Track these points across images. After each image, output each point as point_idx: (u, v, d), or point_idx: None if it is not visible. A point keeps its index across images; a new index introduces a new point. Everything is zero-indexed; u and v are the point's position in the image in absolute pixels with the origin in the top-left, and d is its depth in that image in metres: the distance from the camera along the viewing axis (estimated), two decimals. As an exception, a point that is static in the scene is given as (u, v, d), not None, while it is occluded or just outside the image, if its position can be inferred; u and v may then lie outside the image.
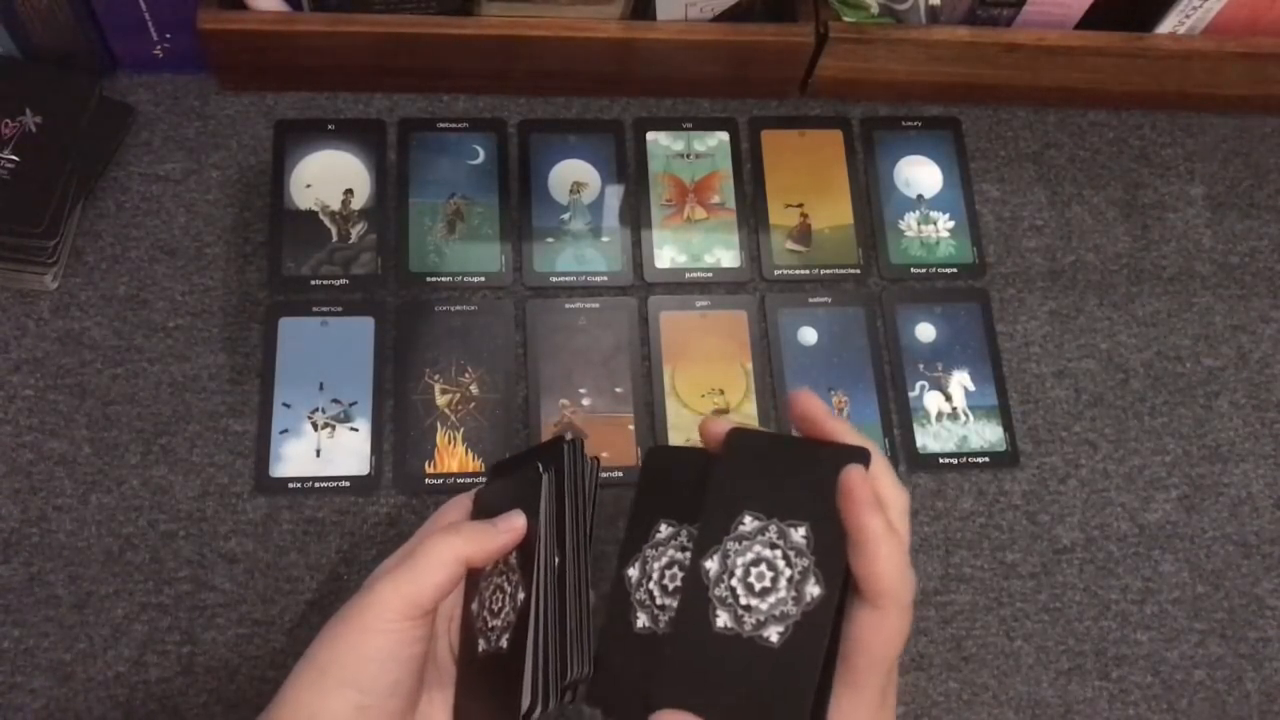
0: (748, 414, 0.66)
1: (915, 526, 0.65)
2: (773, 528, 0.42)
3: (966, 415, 0.68)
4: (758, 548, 0.41)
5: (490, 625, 0.47)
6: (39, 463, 0.61)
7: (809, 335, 0.68)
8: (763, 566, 0.41)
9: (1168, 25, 0.71)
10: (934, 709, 0.61)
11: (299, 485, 0.62)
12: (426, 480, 0.63)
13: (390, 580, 0.45)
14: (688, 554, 0.43)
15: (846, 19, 0.69)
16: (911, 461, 0.66)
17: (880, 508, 0.40)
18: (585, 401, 0.65)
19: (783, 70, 0.72)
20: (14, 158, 0.63)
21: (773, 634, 0.40)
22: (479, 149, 0.71)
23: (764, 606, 0.40)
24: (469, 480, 0.63)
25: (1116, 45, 0.71)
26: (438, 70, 0.70)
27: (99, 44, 0.68)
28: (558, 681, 0.44)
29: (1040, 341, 0.70)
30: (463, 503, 0.52)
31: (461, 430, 0.64)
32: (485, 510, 0.50)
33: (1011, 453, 0.67)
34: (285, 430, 0.63)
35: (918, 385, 0.68)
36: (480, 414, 0.64)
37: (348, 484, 0.62)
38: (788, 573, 0.41)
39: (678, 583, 0.43)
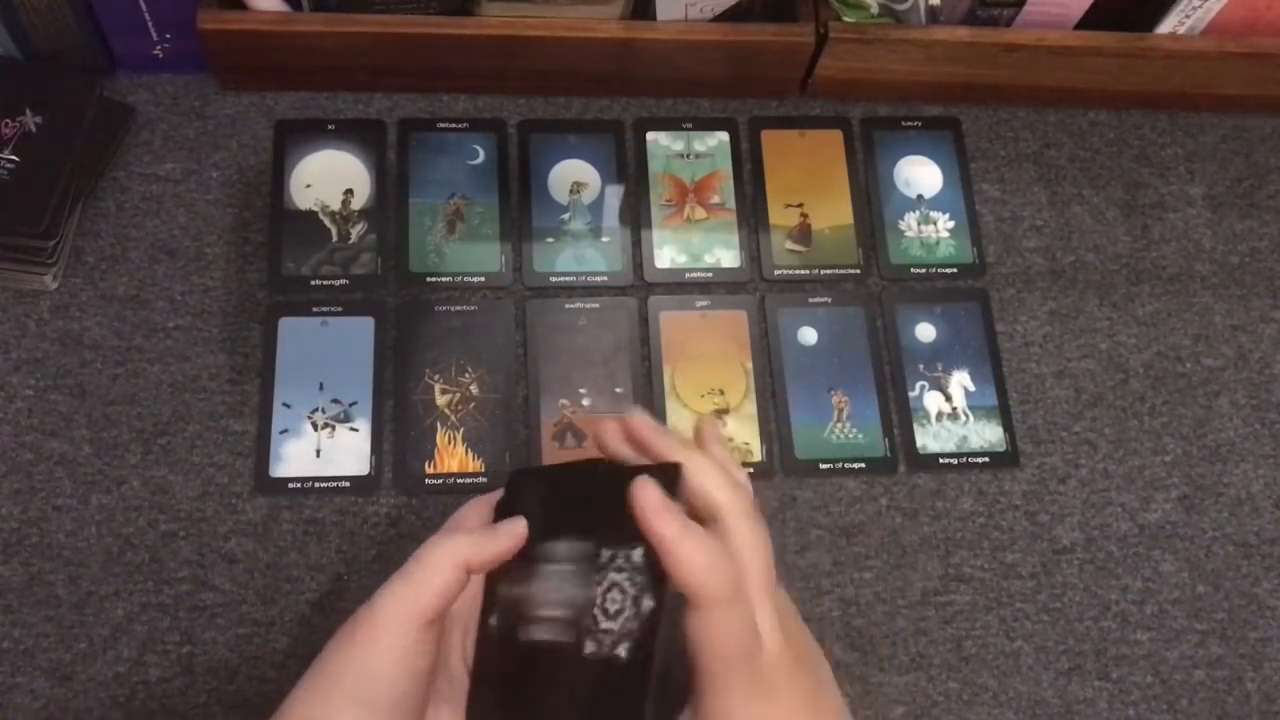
0: (748, 414, 0.66)
1: (915, 526, 0.65)
2: (620, 554, 0.44)
3: (966, 415, 0.68)
4: (611, 574, 0.44)
5: (604, 627, 0.45)
6: (39, 463, 0.61)
7: (809, 335, 0.68)
8: (615, 591, 0.44)
9: (1168, 25, 0.71)
10: (934, 709, 0.61)
11: (299, 485, 0.62)
12: (426, 480, 0.63)
13: (389, 592, 0.44)
14: (625, 574, 0.45)
15: (846, 19, 0.69)
16: (911, 461, 0.66)
17: (671, 512, 0.42)
18: (585, 401, 0.65)
19: (783, 70, 0.73)
20: (14, 158, 0.63)
21: (622, 650, 0.43)
22: (479, 149, 0.71)
23: (615, 627, 0.43)
24: (469, 480, 0.63)
25: (1116, 45, 0.71)
26: (438, 70, 0.70)
27: (99, 44, 0.68)
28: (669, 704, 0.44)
29: (1040, 341, 0.70)
30: (479, 508, 0.51)
31: (461, 430, 0.64)
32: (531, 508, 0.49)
33: (1011, 453, 0.67)
34: (285, 430, 0.63)
35: (918, 385, 0.68)
36: (480, 414, 0.64)
37: (348, 484, 0.62)
38: (631, 592, 0.43)
39: (618, 605, 0.45)
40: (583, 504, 0.47)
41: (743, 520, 0.44)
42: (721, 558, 0.42)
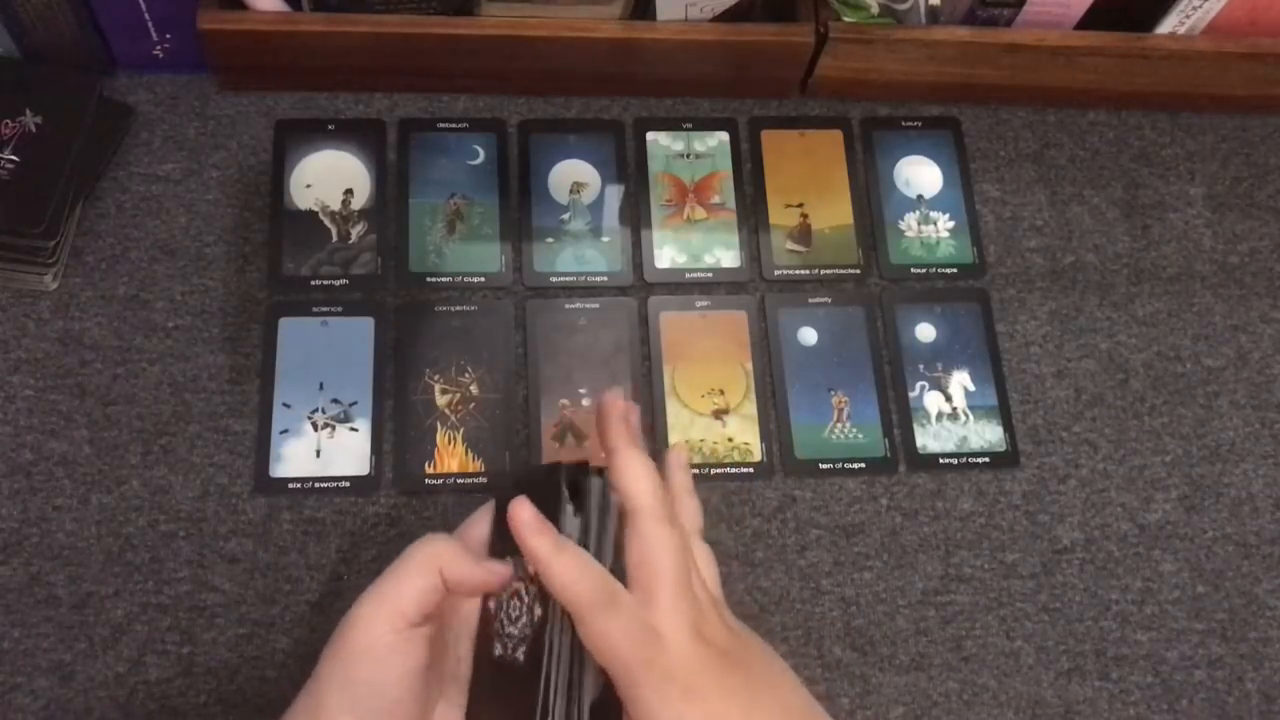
0: (748, 414, 0.66)
1: (914, 526, 0.65)
2: (519, 563, 0.47)
3: (966, 415, 0.68)
4: (515, 583, 0.47)
5: (506, 631, 0.47)
6: (39, 463, 0.61)
7: (809, 335, 0.68)
8: (515, 599, 0.47)
9: (1168, 25, 0.71)
10: (934, 709, 0.61)
11: (299, 485, 0.62)
12: (426, 480, 0.63)
13: (369, 598, 0.44)
14: (523, 583, 0.47)
15: (846, 19, 0.69)
16: (911, 461, 0.66)
17: (544, 531, 0.44)
18: (585, 401, 0.65)
19: (783, 70, 0.73)
20: (14, 158, 0.63)
21: (521, 654, 0.46)
22: (479, 149, 0.71)
23: (515, 631, 0.46)
24: (469, 480, 0.63)
25: (1116, 45, 0.71)
26: (438, 70, 0.70)
27: (99, 44, 0.68)
28: (575, 708, 0.44)
29: (1040, 341, 0.70)
30: (489, 514, 0.51)
31: (461, 430, 0.64)
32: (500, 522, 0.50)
33: (1011, 453, 0.67)
34: (285, 430, 0.63)
35: (918, 385, 0.68)
36: (480, 414, 0.64)
37: (348, 484, 0.62)
38: (527, 600, 0.46)
39: (518, 612, 0.47)
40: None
41: (652, 523, 0.45)
42: (591, 569, 0.44)
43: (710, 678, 0.43)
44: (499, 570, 0.46)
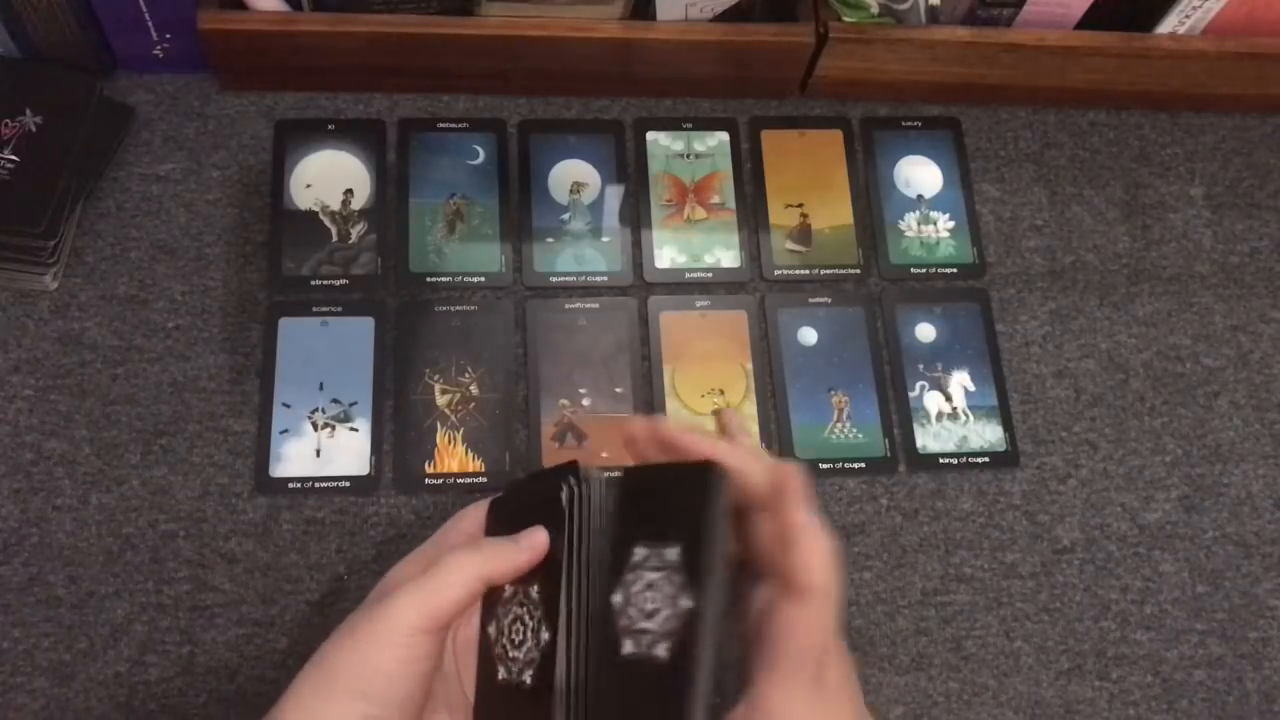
0: (748, 414, 0.66)
1: (914, 526, 0.65)
2: (655, 553, 0.44)
3: (966, 415, 0.68)
4: (647, 574, 0.44)
5: (510, 655, 0.46)
6: (39, 463, 0.61)
7: (809, 335, 0.68)
8: (651, 590, 0.43)
9: (1168, 25, 0.71)
10: (934, 709, 0.61)
11: (299, 485, 0.62)
12: (426, 480, 0.63)
13: (408, 594, 0.44)
14: (661, 573, 0.45)
15: (846, 19, 0.69)
16: (911, 461, 0.66)
17: (808, 502, 0.43)
18: (585, 401, 0.65)
19: (783, 70, 0.73)
20: (14, 158, 0.63)
21: (662, 650, 0.42)
22: (479, 149, 0.71)
23: (653, 626, 0.43)
24: (469, 480, 0.63)
25: (1116, 45, 0.71)
26: (438, 70, 0.70)
27: (99, 44, 0.68)
28: None
29: (1040, 341, 0.70)
30: (484, 509, 0.51)
31: (461, 430, 0.64)
32: (503, 524, 0.49)
33: (1011, 453, 0.67)
34: (285, 430, 0.63)
35: (918, 385, 0.68)
36: (480, 414, 0.64)
37: (348, 484, 0.62)
38: (668, 590, 0.43)
39: (655, 604, 0.45)
40: (587, 506, 0.47)
41: (815, 529, 0.43)
42: (832, 553, 0.42)
43: (842, 684, 0.44)
44: (538, 540, 0.46)
